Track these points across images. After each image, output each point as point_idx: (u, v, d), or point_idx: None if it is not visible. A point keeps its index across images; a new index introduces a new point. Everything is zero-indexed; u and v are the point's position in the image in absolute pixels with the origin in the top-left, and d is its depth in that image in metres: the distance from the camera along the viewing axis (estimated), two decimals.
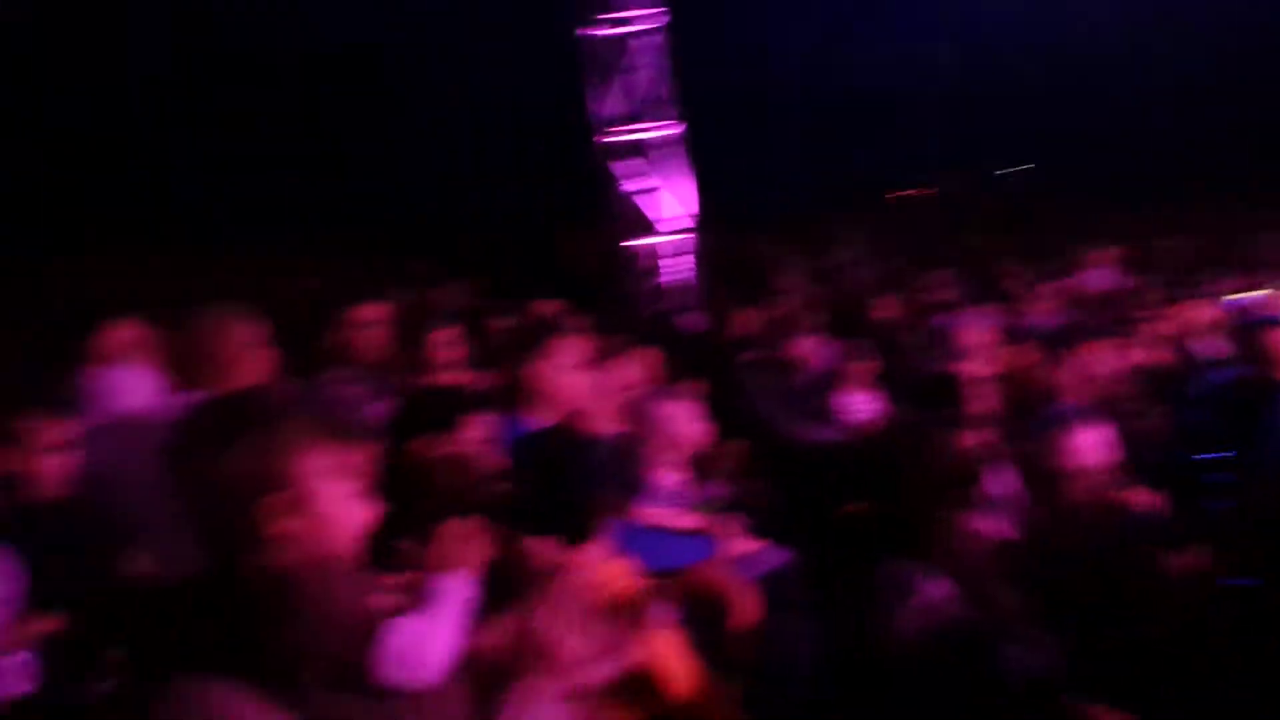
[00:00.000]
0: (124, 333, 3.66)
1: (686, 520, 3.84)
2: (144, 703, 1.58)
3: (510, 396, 3.91)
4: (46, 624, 2.49)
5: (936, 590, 3.33)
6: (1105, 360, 5.73)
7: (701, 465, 4.40)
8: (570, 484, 2.84)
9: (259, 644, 1.57)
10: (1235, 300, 7.74)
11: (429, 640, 1.64)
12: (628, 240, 12.28)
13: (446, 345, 4.72)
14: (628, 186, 12.12)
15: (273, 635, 1.56)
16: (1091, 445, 3.36)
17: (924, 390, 5.20)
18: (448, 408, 3.10)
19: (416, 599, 1.75)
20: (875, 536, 4.53)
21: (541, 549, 2.75)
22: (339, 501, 1.65)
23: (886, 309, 8.46)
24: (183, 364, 3.82)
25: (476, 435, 2.99)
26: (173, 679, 1.57)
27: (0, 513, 2.61)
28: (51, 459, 2.95)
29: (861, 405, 6.12)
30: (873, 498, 5.06)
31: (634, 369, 5.18)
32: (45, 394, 3.09)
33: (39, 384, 3.58)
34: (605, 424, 4.12)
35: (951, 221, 19.41)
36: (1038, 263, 12.58)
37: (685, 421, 3.91)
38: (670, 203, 12.28)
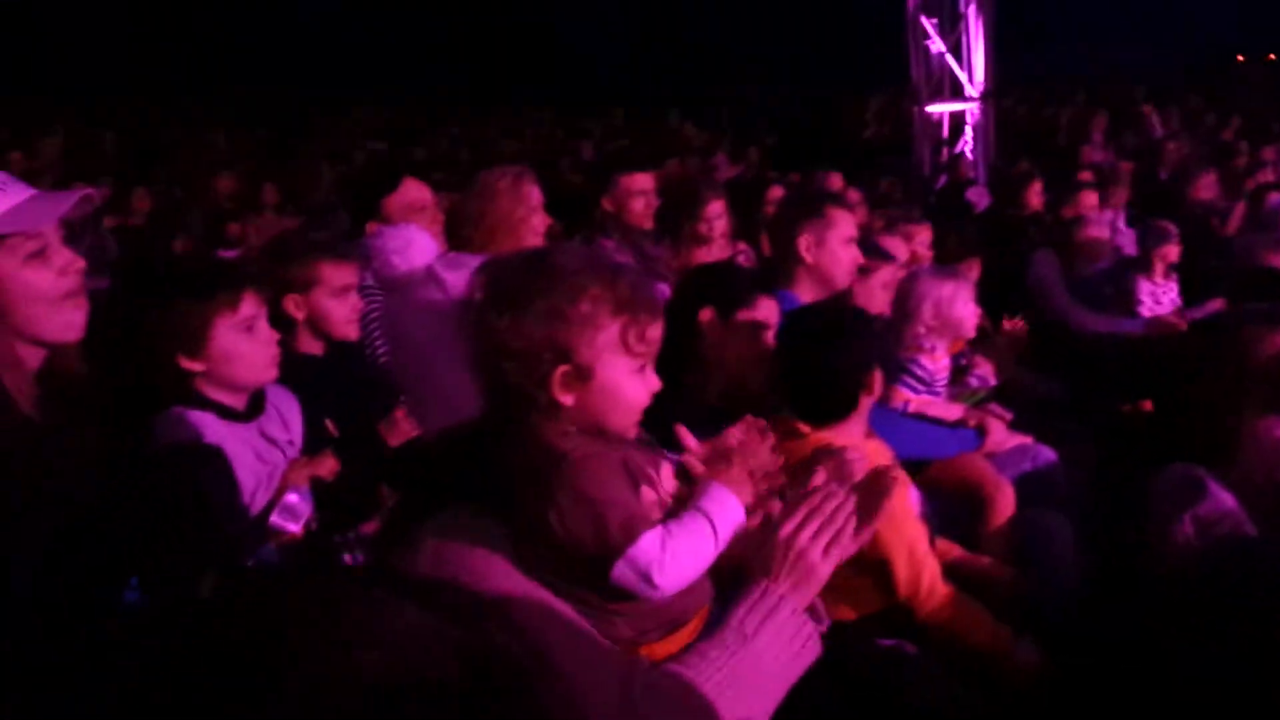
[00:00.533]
0: (409, 192, 3.83)
1: (950, 409, 3.70)
2: (395, 550, 1.68)
3: (780, 271, 3.85)
4: (323, 466, 2.67)
5: (1224, 501, 3.09)
6: None
7: (974, 351, 4.22)
8: (834, 363, 2.76)
9: (518, 509, 1.61)
10: None
11: (678, 558, 1.59)
12: (926, 105, 11.69)
13: (716, 217, 4.69)
14: (934, 47, 11.46)
15: (529, 507, 1.59)
16: None
17: (1243, 280, 4.75)
18: (732, 284, 3.08)
19: (684, 505, 1.70)
20: (1162, 439, 4.24)
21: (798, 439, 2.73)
22: (622, 376, 1.63)
23: (1205, 188, 7.70)
24: (465, 225, 4.02)
25: (766, 313, 2.96)
26: (426, 529, 1.65)
27: (287, 355, 2.77)
28: (342, 301, 3.09)
29: (1163, 295, 5.66)
30: (1165, 397, 4.74)
31: (912, 246, 4.99)
32: (334, 246, 3.24)
33: (330, 234, 3.80)
34: (875, 302, 4.01)
35: None
36: None
37: (959, 304, 3.72)
38: (976, 64, 11.54)
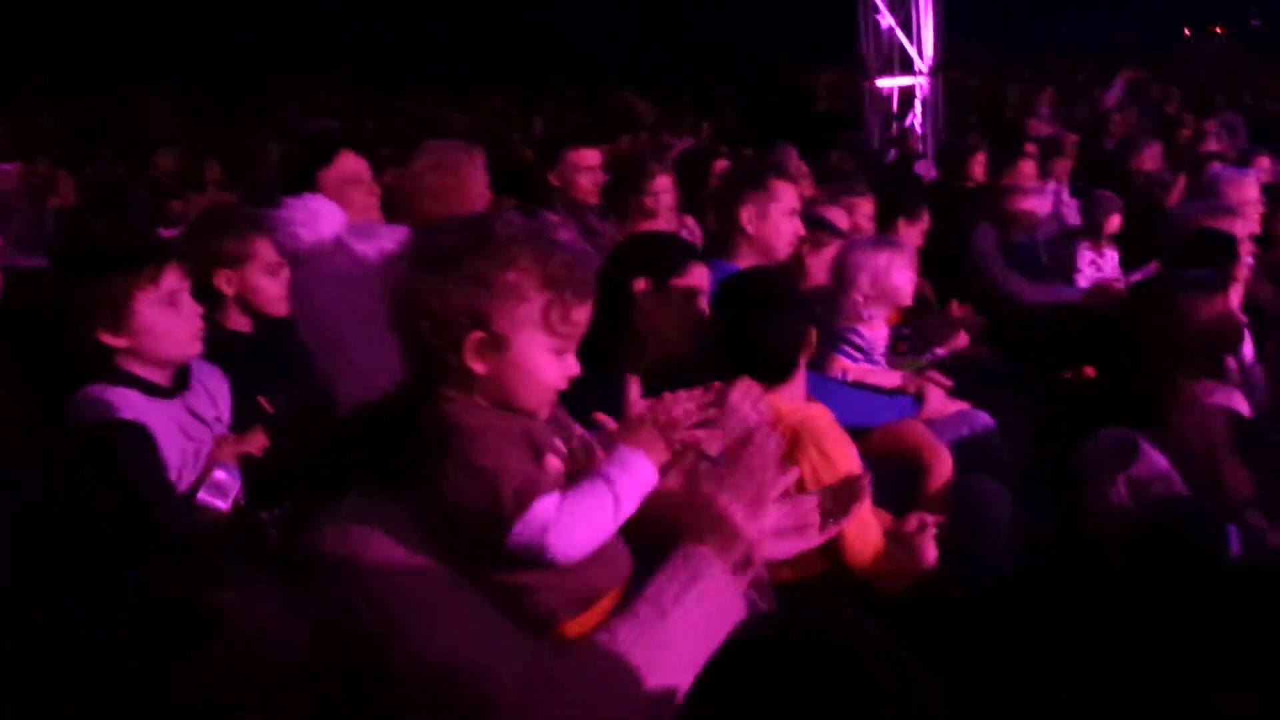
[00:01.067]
0: (345, 165, 3.78)
1: (889, 377, 3.71)
2: (299, 530, 1.65)
3: (722, 242, 3.85)
4: (252, 443, 2.62)
5: (1157, 463, 3.13)
6: None
7: (913, 320, 4.24)
8: (771, 325, 2.76)
9: (424, 483, 1.59)
10: None
11: (574, 523, 1.58)
12: (876, 79, 11.70)
13: (663, 191, 4.68)
14: (883, 21, 11.47)
15: (426, 482, 1.58)
16: None
17: (1180, 244, 4.78)
18: (664, 252, 3.06)
19: (592, 470, 1.69)
20: (1100, 404, 4.29)
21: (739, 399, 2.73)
22: (538, 353, 1.61)
23: (1150, 159, 7.79)
24: (406, 199, 3.97)
25: (698, 280, 2.94)
26: (331, 511, 1.63)
27: (215, 332, 2.73)
28: (275, 279, 3.03)
29: (1104, 264, 5.72)
30: (1103, 363, 4.79)
31: (854, 218, 5.01)
32: (258, 219, 3.17)
33: (258, 207, 3.72)
34: (815, 271, 4.02)
35: (1248, 62, 17.66)
36: None
37: (895, 272, 3.74)
38: (925, 40, 11.57)
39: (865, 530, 2.56)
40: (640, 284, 2.87)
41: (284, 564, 1.70)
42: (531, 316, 1.59)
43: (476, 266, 1.58)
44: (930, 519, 2.26)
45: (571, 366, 1.66)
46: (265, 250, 3.03)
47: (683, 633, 1.59)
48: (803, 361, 2.77)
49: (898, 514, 3.00)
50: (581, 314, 1.63)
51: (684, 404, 1.75)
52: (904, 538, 2.29)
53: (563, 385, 1.65)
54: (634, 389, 1.82)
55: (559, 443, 1.70)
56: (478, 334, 1.57)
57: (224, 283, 2.97)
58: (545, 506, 1.56)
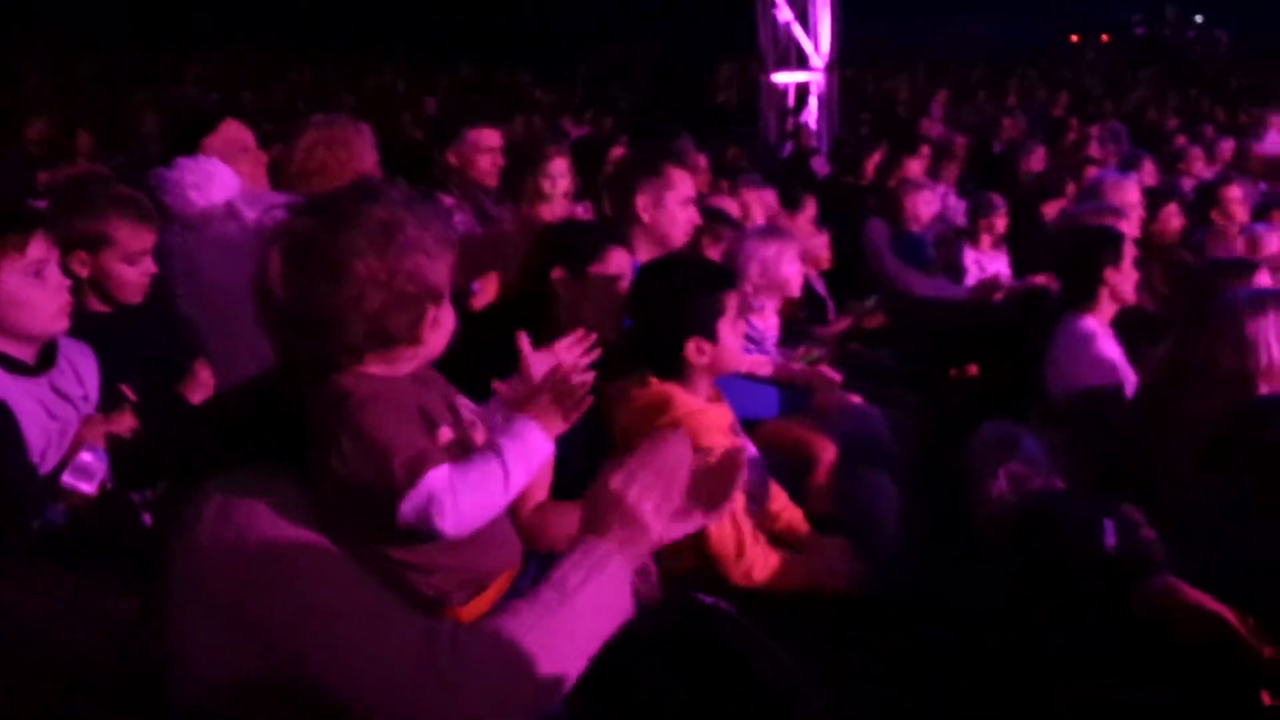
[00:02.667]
0: (229, 132, 3.64)
1: (780, 369, 3.73)
2: (176, 508, 1.58)
3: (617, 230, 3.81)
4: (120, 424, 2.51)
5: (1036, 456, 3.20)
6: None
7: (803, 313, 4.28)
8: (657, 317, 2.74)
9: (315, 455, 1.55)
10: None
11: (465, 495, 1.55)
12: (772, 74, 11.80)
13: (560, 174, 4.63)
14: (781, 16, 11.57)
15: (325, 449, 1.53)
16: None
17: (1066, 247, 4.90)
18: (581, 240, 3.01)
19: (484, 442, 1.67)
20: (985, 399, 4.40)
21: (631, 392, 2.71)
22: (431, 319, 1.61)
23: (1035, 162, 8.00)
24: (292, 173, 3.84)
25: (617, 265, 2.90)
26: (214, 486, 1.56)
27: (81, 312, 2.59)
28: (134, 266, 2.85)
29: (989, 265, 5.86)
30: (989, 359, 4.92)
31: (747, 208, 5.03)
32: (136, 203, 2.97)
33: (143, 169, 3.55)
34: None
35: (1130, 70, 18.32)
36: (1215, 122, 11.79)
37: (784, 263, 3.75)
38: (822, 35, 11.71)
39: (726, 523, 2.56)
40: (557, 273, 2.82)
41: (149, 548, 1.64)
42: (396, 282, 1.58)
43: (308, 241, 1.57)
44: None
45: (444, 320, 1.65)
46: (127, 236, 2.82)
47: (579, 622, 1.57)
48: (696, 359, 2.72)
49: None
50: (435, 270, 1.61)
51: (570, 350, 1.78)
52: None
53: (444, 345, 1.66)
54: (524, 343, 1.79)
55: (454, 414, 1.67)
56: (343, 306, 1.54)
57: (78, 264, 2.76)
58: (436, 478, 1.53)
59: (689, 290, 2.75)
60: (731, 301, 2.75)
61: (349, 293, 1.53)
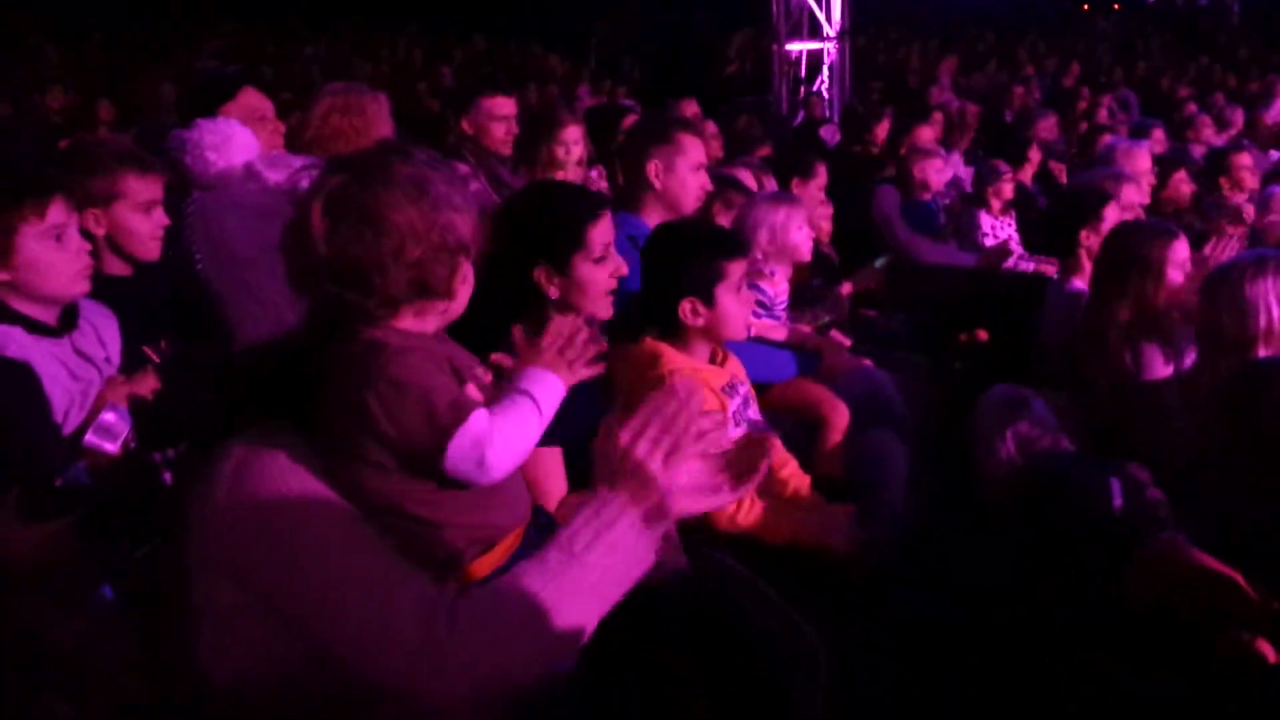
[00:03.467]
0: (248, 99, 3.67)
1: (791, 333, 3.76)
2: (194, 467, 1.62)
3: (629, 196, 3.83)
4: (142, 384, 2.54)
5: (1045, 419, 3.23)
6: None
7: (814, 279, 4.30)
8: (662, 281, 2.76)
9: (336, 417, 1.58)
10: None
11: (507, 434, 1.60)
12: (785, 43, 11.75)
13: (574, 142, 4.64)
14: None
15: (364, 400, 1.56)
16: None
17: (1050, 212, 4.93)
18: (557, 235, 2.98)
19: (504, 393, 1.71)
20: (993, 363, 4.42)
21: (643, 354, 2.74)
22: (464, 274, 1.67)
23: (1046, 130, 7.98)
24: (304, 139, 3.87)
25: (601, 238, 2.89)
26: (233, 443, 1.59)
27: (101, 276, 2.64)
28: (146, 217, 2.89)
29: (1001, 230, 5.87)
30: (998, 324, 4.93)
31: (757, 175, 5.03)
32: (139, 156, 3.00)
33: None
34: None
35: (1141, 39, 18.16)
36: (1226, 90, 11.71)
37: (793, 229, 3.77)
38: (834, 5, 11.65)
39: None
40: (540, 273, 2.70)
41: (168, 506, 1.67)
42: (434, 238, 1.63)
43: (337, 201, 1.61)
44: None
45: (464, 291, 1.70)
46: (136, 187, 2.87)
47: (590, 579, 1.58)
48: (693, 324, 2.72)
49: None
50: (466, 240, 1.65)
51: (572, 324, 1.80)
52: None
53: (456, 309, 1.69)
54: (518, 333, 1.82)
55: (478, 371, 1.71)
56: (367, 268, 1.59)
57: (92, 222, 2.80)
58: (479, 419, 1.57)
59: (688, 252, 2.78)
60: (734, 268, 2.76)
61: (390, 244, 1.57)
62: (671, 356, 2.73)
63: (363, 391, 1.55)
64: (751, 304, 2.85)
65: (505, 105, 4.69)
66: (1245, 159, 5.86)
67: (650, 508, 1.63)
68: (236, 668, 1.55)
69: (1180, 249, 3.37)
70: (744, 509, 2.62)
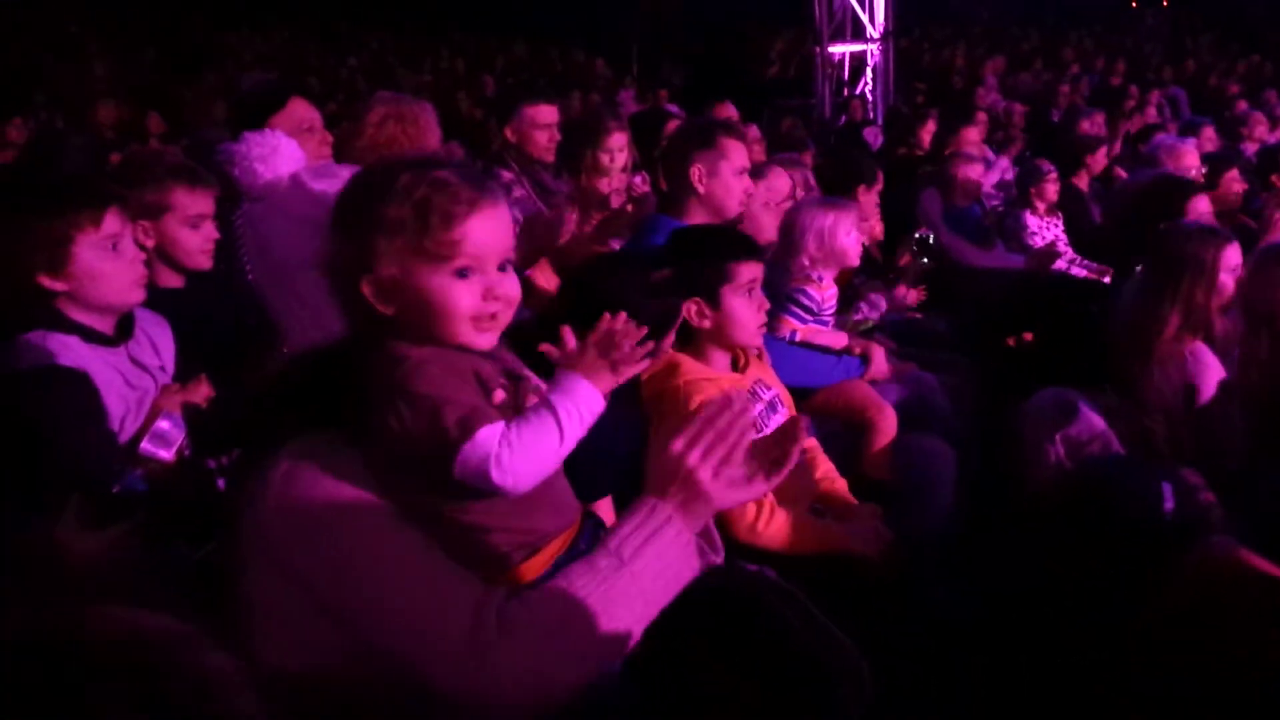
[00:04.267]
0: (297, 111, 3.73)
1: (836, 337, 3.75)
2: (246, 474, 1.64)
3: (673, 201, 3.84)
4: (196, 393, 2.58)
5: (1094, 422, 3.20)
6: None
7: (866, 281, 4.28)
8: (629, 292, 2.74)
9: (372, 419, 1.59)
10: None
11: (520, 451, 1.56)
12: (828, 45, 11.72)
13: (619, 149, 4.66)
14: None
15: (374, 417, 1.57)
16: None
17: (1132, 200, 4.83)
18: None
19: (537, 401, 1.67)
20: (1040, 366, 4.37)
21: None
22: (430, 282, 1.58)
23: (1094, 127, 7.89)
24: (351, 148, 3.92)
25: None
26: (280, 454, 1.61)
27: (155, 287, 2.68)
28: (195, 231, 2.96)
29: (1049, 231, 5.81)
30: (1045, 327, 4.88)
31: (800, 179, 5.02)
32: (190, 170, 3.07)
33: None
34: (764, 232, 4.03)
35: (1190, 35, 17.91)
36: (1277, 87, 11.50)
37: (841, 234, 3.76)
38: (878, 7, 11.60)
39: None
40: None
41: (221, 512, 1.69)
42: (406, 247, 1.57)
43: (348, 210, 1.61)
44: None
45: (498, 287, 1.62)
46: (184, 200, 2.94)
47: (639, 585, 1.59)
48: (700, 326, 2.74)
49: (842, 472, 3.06)
50: (465, 230, 1.58)
51: (618, 321, 1.74)
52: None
53: (485, 309, 1.61)
54: (567, 333, 1.81)
55: (507, 381, 1.69)
56: (368, 276, 1.57)
57: (142, 234, 2.85)
58: (490, 434, 1.55)
59: (695, 253, 2.80)
60: (742, 270, 2.76)
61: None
62: (689, 367, 2.73)
63: (381, 404, 1.56)
64: (764, 310, 2.83)
65: (547, 113, 4.72)
66: None
67: (698, 518, 1.64)
68: (286, 667, 1.57)
69: (1233, 254, 3.29)
70: (764, 518, 2.60)
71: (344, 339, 1.69)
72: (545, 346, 1.78)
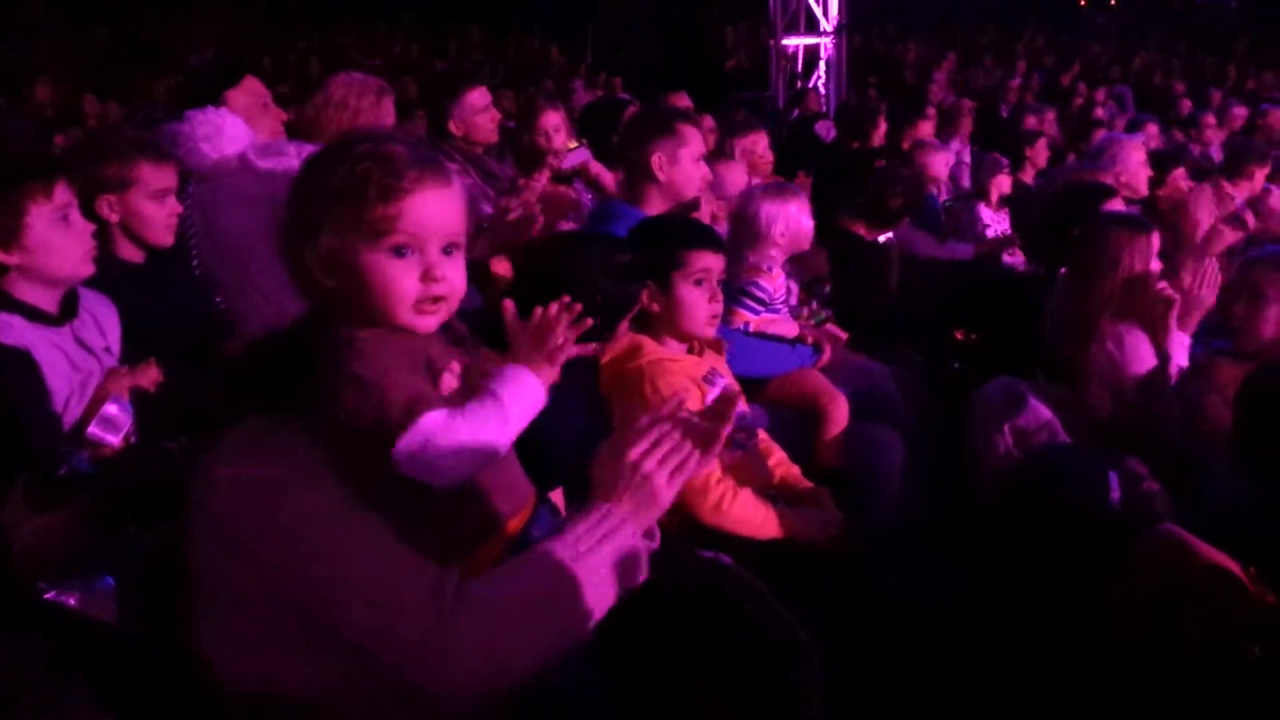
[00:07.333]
0: (253, 88, 3.68)
1: (789, 327, 3.77)
2: (198, 456, 1.61)
3: (632, 188, 3.83)
4: (144, 376, 2.53)
5: (1041, 412, 3.25)
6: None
7: (811, 270, 4.30)
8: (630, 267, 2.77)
9: (319, 405, 1.57)
10: None
11: (463, 437, 1.55)
12: (782, 38, 11.76)
13: (554, 129, 4.65)
14: None
15: (329, 392, 1.54)
16: None
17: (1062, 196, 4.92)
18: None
19: (480, 392, 1.65)
20: (990, 357, 4.43)
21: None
22: (369, 259, 1.55)
23: (1042, 124, 8.00)
24: (302, 131, 3.87)
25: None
26: (226, 442, 1.59)
27: (107, 262, 2.64)
28: (160, 205, 2.95)
29: (996, 221, 5.88)
30: (996, 319, 4.95)
31: (753, 169, 5.05)
32: (144, 142, 3.05)
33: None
34: (719, 220, 4.04)
35: (1139, 35, 18.20)
36: (1219, 85, 11.74)
37: (805, 218, 3.78)
38: (831, 1, 11.66)
39: (707, 480, 2.61)
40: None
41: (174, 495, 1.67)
42: (351, 223, 1.54)
43: (302, 179, 1.61)
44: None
45: (438, 269, 1.59)
46: (150, 174, 2.94)
47: (593, 580, 1.58)
48: (651, 310, 2.77)
49: (794, 458, 3.08)
50: (403, 207, 1.55)
51: (554, 309, 1.75)
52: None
53: (425, 291, 1.58)
54: (509, 309, 1.79)
55: (457, 365, 1.67)
56: (311, 246, 1.56)
57: (107, 209, 2.87)
58: (432, 420, 1.53)
59: (651, 239, 2.83)
60: (695, 259, 2.78)
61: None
62: (651, 348, 2.76)
63: (328, 386, 1.54)
64: (718, 303, 2.83)
65: (481, 96, 4.69)
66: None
67: (649, 520, 1.64)
68: (241, 654, 1.55)
69: (1152, 242, 3.37)
70: (728, 498, 2.61)
71: (298, 322, 1.67)
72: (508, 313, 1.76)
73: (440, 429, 1.54)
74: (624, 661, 1.84)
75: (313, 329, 1.61)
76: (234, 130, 3.24)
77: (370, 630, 1.49)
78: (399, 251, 1.56)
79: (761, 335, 3.65)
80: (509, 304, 1.79)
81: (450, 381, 1.64)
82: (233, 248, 3.14)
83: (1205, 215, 4.83)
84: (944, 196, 6.39)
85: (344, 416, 1.53)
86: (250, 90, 3.59)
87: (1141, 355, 3.24)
